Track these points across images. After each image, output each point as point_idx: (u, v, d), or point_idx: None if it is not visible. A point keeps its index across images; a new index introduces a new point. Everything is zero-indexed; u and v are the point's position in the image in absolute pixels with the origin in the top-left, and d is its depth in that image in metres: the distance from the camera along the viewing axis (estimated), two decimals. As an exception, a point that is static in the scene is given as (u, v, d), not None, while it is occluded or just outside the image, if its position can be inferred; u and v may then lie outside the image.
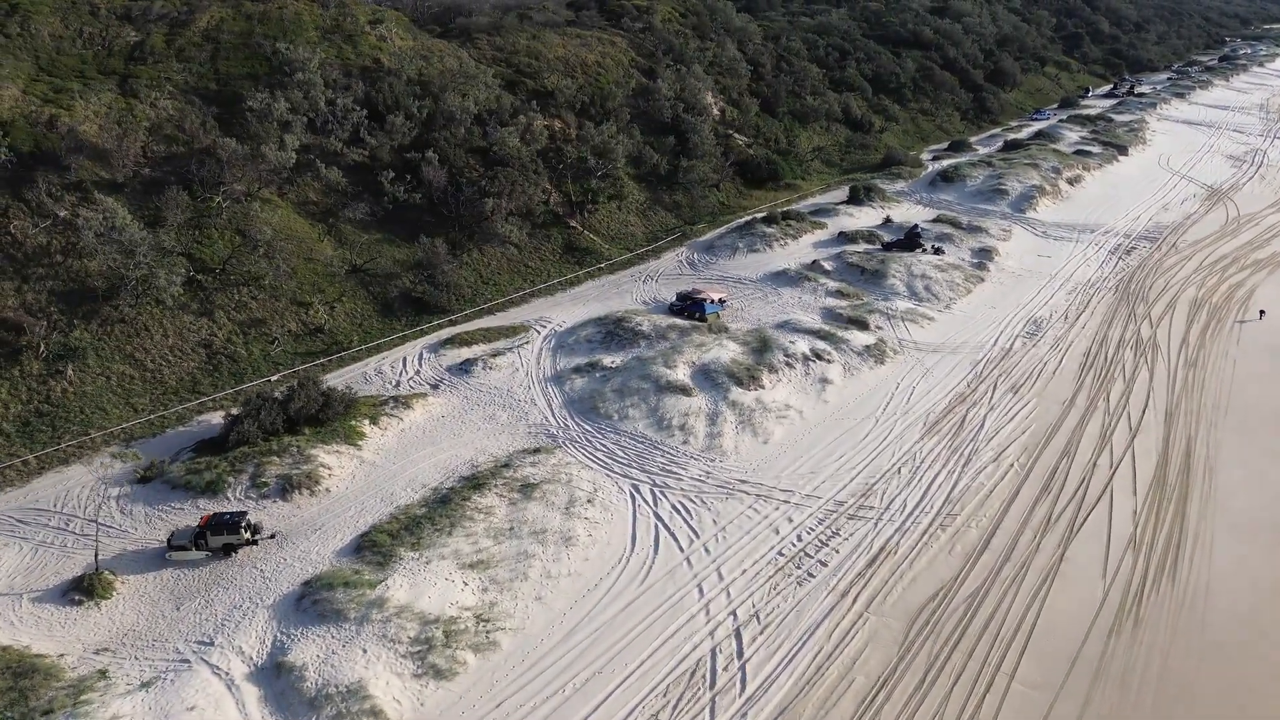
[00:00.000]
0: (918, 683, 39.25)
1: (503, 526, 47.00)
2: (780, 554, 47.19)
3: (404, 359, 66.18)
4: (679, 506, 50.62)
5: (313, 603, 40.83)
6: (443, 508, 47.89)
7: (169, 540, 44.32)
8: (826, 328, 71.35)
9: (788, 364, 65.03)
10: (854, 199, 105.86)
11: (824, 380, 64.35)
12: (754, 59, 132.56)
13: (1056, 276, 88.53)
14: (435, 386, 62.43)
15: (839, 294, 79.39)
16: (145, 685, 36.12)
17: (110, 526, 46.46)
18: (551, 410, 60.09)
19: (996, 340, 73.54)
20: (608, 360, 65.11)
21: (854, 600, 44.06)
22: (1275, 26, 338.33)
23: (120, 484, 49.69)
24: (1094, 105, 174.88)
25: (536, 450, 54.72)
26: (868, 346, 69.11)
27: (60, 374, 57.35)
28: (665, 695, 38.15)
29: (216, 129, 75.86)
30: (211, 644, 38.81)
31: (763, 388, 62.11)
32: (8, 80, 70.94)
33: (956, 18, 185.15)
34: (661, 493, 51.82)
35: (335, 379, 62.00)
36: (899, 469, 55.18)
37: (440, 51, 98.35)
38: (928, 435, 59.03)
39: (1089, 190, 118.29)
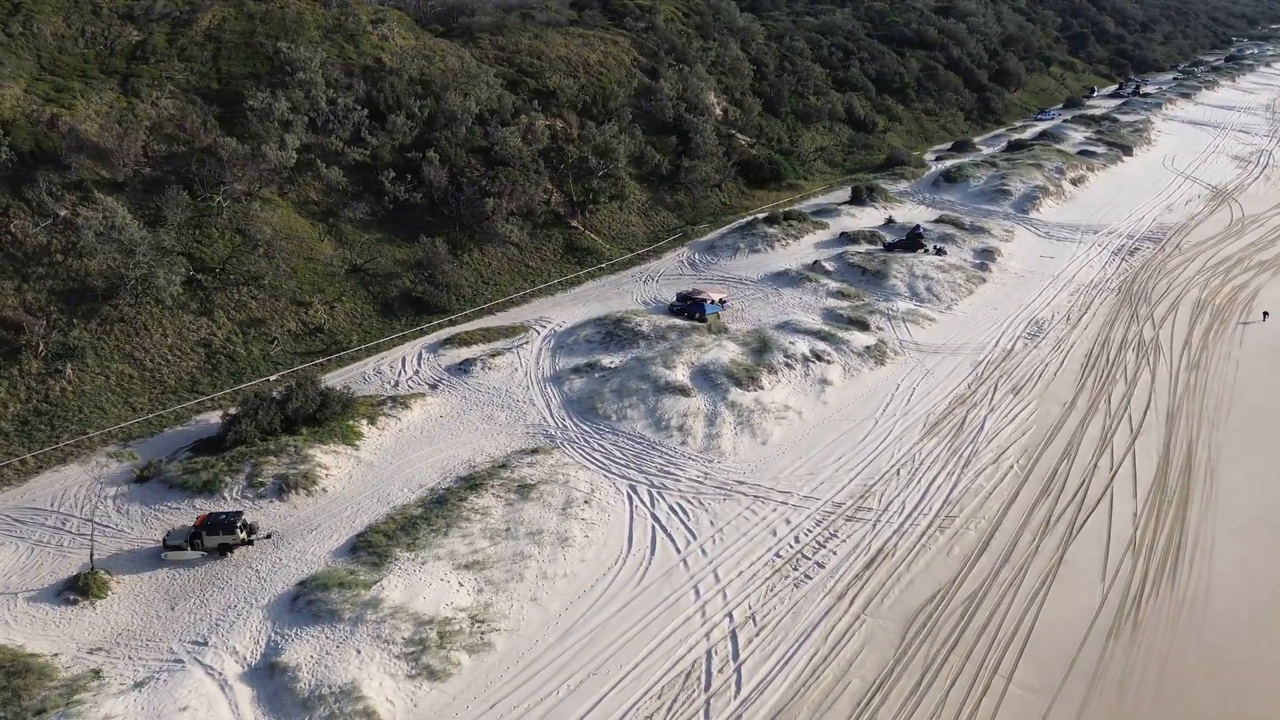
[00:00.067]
0: (914, 685, 39.07)
1: (499, 527, 46.90)
2: (777, 555, 47.03)
3: (403, 359, 66.13)
4: (676, 507, 50.48)
5: (307, 603, 40.78)
6: (439, 508, 47.81)
7: (165, 540, 44.31)
8: (827, 328, 71.13)
9: (787, 365, 64.84)
10: (856, 199, 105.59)
11: (824, 381, 64.14)
12: (757, 59, 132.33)
13: (1059, 277, 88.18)
14: (434, 386, 62.36)
15: (840, 295, 79.17)
16: (138, 685, 36.09)
17: (107, 526, 46.47)
18: (550, 410, 59.99)
19: (998, 341, 73.25)
20: (607, 360, 64.98)
21: (851, 602, 43.88)
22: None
23: (117, 483, 49.72)
24: (1099, 105, 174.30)
25: (534, 451, 54.62)
26: (868, 347, 68.89)
27: (59, 373, 57.41)
28: (660, 697, 38.02)
29: (217, 128, 75.88)
30: (205, 644, 38.78)
31: (762, 388, 61.94)
32: (10, 79, 71.01)
33: (961, 17, 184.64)
34: (659, 494, 51.69)
35: (334, 379, 61.98)
36: (898, 470, 54.97)
37: (442, 51, 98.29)
38: (927, 436, 58.80)
39: (1093, 191, 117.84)
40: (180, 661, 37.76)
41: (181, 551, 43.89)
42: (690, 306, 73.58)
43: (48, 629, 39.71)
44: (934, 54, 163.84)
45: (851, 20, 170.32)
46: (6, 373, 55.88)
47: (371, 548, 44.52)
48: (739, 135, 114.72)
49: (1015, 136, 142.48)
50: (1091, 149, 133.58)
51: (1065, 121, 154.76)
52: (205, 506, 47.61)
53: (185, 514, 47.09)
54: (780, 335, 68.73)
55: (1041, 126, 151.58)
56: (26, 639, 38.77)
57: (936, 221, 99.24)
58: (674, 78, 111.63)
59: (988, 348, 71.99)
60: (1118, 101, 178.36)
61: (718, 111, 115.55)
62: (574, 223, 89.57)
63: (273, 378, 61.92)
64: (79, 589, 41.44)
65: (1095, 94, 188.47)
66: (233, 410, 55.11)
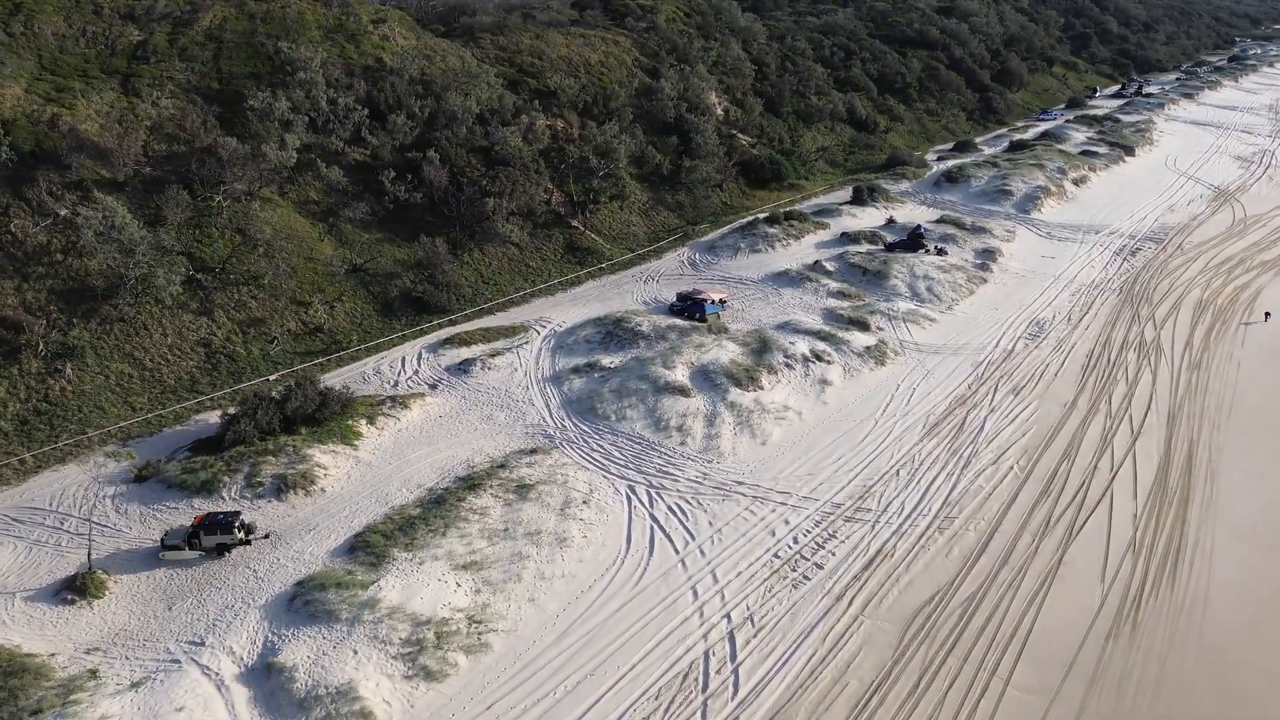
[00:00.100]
0: (912, 687, 38.97)
1: (497, 527, 46.84)
2: (776, 556, 46.94)
3: (403, 359, 66.10)
4: (675, 508, 50.40)
5: (304, 603, 40.74)
6: (437, 508, 47.76)
7: (162, 540, 44.31)
8: (827, 329, 71.02)
9: (787, 365, 64.74)
10: (857, 199, 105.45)
11: (823, 381, 64.04)
12: (759, 59, 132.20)
13: (1060, 278, 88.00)
14: (433, 386, 62.33)
15: (840, 295, 79.05)
16: (135, 685, 36.08)
17: (105, 526, 46.47)
18: (549, 411, 59.93)
19: (998, 342, 73.11)
20: (606, 361, 64.92)
21: (849, 603, 43.78)
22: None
23: (116, 483, 49.72)
24: (1101, 105, 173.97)
25: (533, 451, 54.56)
26: (868, 348, 68.77)
27: (59, 373, 57.43)
28: (657, 698, 37.94)
29: (218, 128, 75.90)
30: (202, 644, 38.75)
31: (761, 389, 61.84)
32: (10, 79, 71.07)
33: (963, 17, 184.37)
34: (658, 494, 51.61)
35: (334, 379, 61.96)
36: (897, 471, 54.86)
37: (443, 51, 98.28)
38: (927, 437, 58.68)
39: (1094, 191, 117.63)
40: (177, 662, 37.74)
41: (179, 551, 43.88)
42: (690, 306, 73.51)
43: (45, 629, 39.71)
44: (936, 54, 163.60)
45: (853, 20, 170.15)
46: (6, 372, 55.91)
47: (369, 548, 44.48)
48: (740, 135, 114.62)
49: (1017, 137, 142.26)
50: (1093, 149, 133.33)
51: (1067, 122, 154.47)
52: (203, 506, 47.60)
53: (184, 514, 47.07)
54: (780, 335, 68.63)
55: (1043, 127, 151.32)
56: (23, 639, 38.77)
57: (938, 222, 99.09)
58: (675, 78, 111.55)
59: (988, 348, 71.86)
60: (1120, 102, 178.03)
61: (719, 111, 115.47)
62: (574, 223, 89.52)
63: (272, 377, 61.92)
64: (76, 589, 41.44)
65: (1098, 94, 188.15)
66: (232, 410, 55.10)
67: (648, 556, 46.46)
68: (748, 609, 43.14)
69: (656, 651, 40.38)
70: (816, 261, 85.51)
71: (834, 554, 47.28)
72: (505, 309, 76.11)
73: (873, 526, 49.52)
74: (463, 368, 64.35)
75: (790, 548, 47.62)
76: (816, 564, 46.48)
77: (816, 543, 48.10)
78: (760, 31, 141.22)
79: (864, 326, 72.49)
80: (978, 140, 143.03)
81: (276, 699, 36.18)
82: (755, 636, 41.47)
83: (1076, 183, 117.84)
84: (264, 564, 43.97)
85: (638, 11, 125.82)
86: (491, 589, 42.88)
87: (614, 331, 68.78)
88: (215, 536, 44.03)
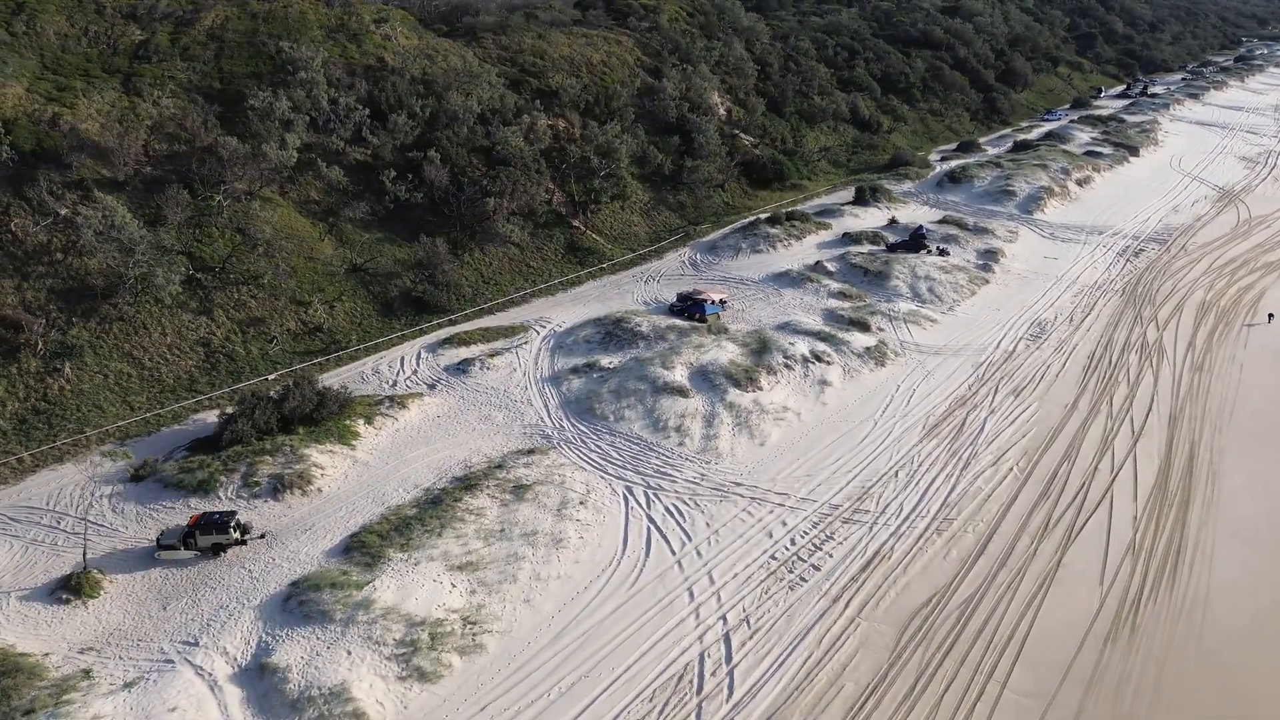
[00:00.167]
0: (908, 689, 38.77)
1: (493, 528, 46.74)
2: (773, 558, 46.77)
3: (402, 358, 66.05)
4: (672, 509, 50.25)
5: (299, 603, 40.67)
6: (434, 509, 47.68)
7: (158, 539, 44.28)
8: (827, 329, 70.81)
9: (787, 366, 64.55)
10: (860, 200, 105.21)
11: (823, 382, 63.83)
12: (761, 58, 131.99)
13: (1063, 279, 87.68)
14: (432, 386, 62.26)
15: (841, 295, 78.84)
16: (128, 685, 36.03)
17: (101, 525, 46.45)
18: (548, 411, 59.82)
19: (999, 343, 72.83)
20: (606, 361, 64.79)
21: (846, 605, 43.59)
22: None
23: (113, 482, 49.71)
24: (1106, 106, 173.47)
25: (531, 451, 54.45)
26: (868, 348, 68.55)
27: (58, 372, 57.46)
28: (652, 700, 37.80)
29: (218, 127, 75.91)
30: (196, 644, 38.70)
31: (760, 389, 61.66)
32: (12, 78, 71.16)
33: (968, 17, 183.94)
34: (655, 495, 51.47)
35: (333, 378, 61.93)
36: (896, 472, 54.64)
37: (445, 50, 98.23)
38: (927, 438, 58.45)
39: (1098, 191, 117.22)
40: (171, 662, 37.69)
41: (175, 551, 43.85)
42: (690, 307, 73.35)
43: (39, 628, 39.68)
44: (940, 54, 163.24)
45: (857, 20, 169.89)
46: (5, 371, 55.96)
47: (365, 548, 44.41)
48: (742, 135, 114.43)
49: (1021, 137, 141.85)
50: (1098, 149, 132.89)
51: (1072, 122, 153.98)
52: (200, 506, 47.56)
53: (180, 513, 47.05)
54: (780, 336, 68.44)
55: (1048, 127, 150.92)
56: (18, 638, 38.74)
57: (940, 222, 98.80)
58: (677, 77, 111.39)
59: (989, 349, 71.58)
60: (1125, 102, 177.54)
61: (721, 111, 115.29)
62: (575, 222, 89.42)
63: (271, 377, 61.89)
64: (71, 588, 41.41)
65: (1103, 94, 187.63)
66: (229, 410, 55.05)
67: (644, 558, 46.32)
68: (744, 610, 42.98)
69: (652, 653, 40.24)
70: (818, 262, 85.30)
71: (831, 555, 47.09)
72: (505, 309, 76.03)
73: (870, 528, 49.33)
74: (461, 368, 64.28)
75: (787, 549, 47.45)
76: (814, 565, 46.31)
77: (814, 544, 47.92)
78: (763, 31, 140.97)
79: (864, 327, 72.26)
80: (981, 140, 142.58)
81: (269, 700, 36.12)
82: (751, 638, 41.30)
83: (1080, 183, 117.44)
84: (259, 564, 43.92)
85: (640, 11, 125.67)
86: (487, 590, 42.78)
87: (613, 332, 68.66)
88: (211, 536, 43.99)
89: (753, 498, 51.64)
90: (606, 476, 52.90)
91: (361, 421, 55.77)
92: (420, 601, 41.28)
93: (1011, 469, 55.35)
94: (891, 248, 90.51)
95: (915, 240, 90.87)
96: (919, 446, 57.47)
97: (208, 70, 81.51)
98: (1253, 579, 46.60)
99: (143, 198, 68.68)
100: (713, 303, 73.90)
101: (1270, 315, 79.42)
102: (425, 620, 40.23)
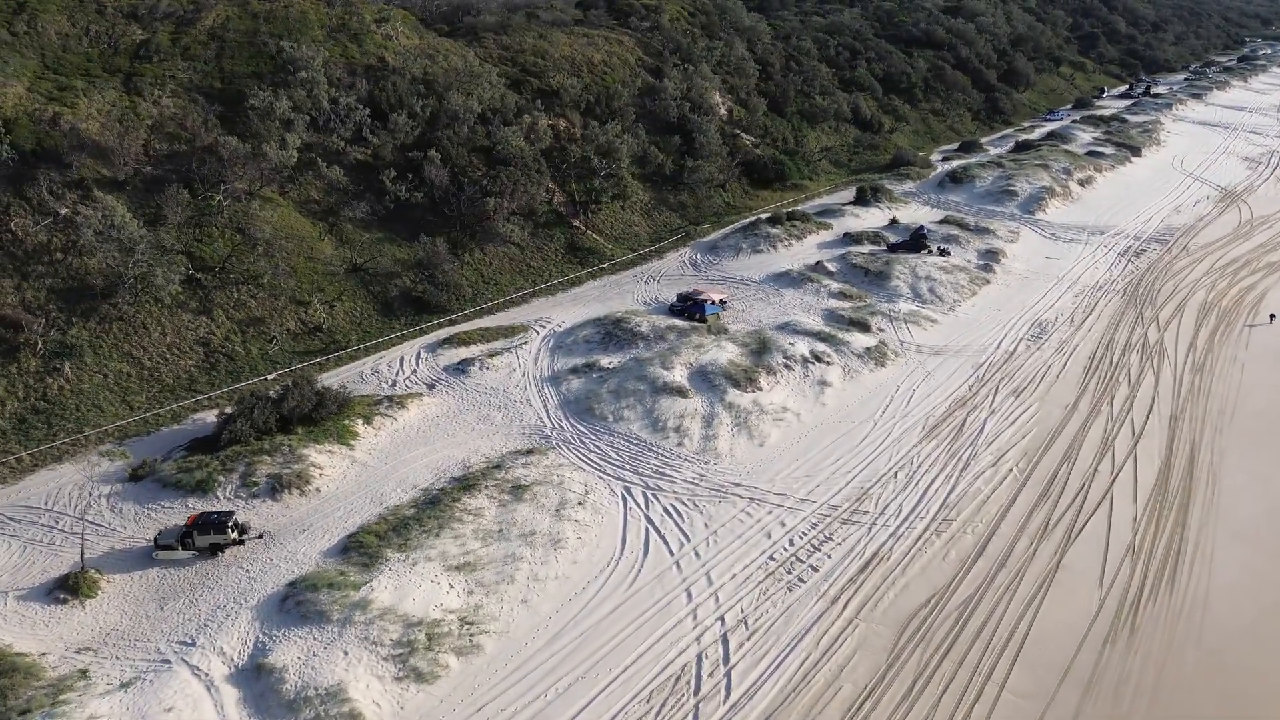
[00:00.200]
0: (906, 691, 38.66)
1: (491, 528, 46.68)
2: (771, 559, 46.67)
3: (401, 358, 66.01)
4: (671, 509, 50.17)
5: (296, 604, 40.63)
6: (432, 509, 47.62)
7: (156, 539, 44.27)
8: (827, 329, 70.70)
9: (786, 366, 64.45)
10: (861, 200, 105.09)
11: (823, 383, 63.73)
12: (763, 58, 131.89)
13: (1064, 279, 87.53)
14: (431, 386, 62.22)
15: (842, 295, 78.72)
16: (125, 685, 36.01)
17: (99, 525, 46.43)
18: (547, 411, 59.76)
19: (1000, 343, 72.69)
20: (605, 361, 64.73)
21: (844, 606, 43.48)
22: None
23: (111, 482, 49.70)
24: (1109, 106, 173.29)
25: (529, 451, 54.39)
26: (868, 349, 68.43)
27: (57, 371, 57.48)
28: (649, 701, 37.72)
29: (218, 127, 75.90)
30: (193, 644, 38.66)
31: (760, 390, 61.57)
32: (13, 78, 71.20)
33: (970, 17, 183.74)
34: (654, 495, 51.39)
35: (332, 378, 61.90)
36: (895, 473, 54.53)
37: (446, 50, 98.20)
38: (926, 439, 58.33)
39: (1100, 192, 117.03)
40: (167, 662, 37.66)
41: (173, 551, 43.83)
42: (690, 307, 73.27)
43: (36, 628, 39.67)
44: (942, 54, 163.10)
45: (859, 20, 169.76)
46: (5, 371, 55.97)
47: (362, 548, 44.36)
48: (743, 135, 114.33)
49: (1023, 137, 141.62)
50: (1100, 150, 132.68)
51: (1074, 122, 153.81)
52: (198, 506, 47.53)
53: (178, 513, 47.04)
54: (780, 336, 68.34)
55: (1050, 127, 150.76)
56: (15, 638, 38.72)
57: (941, 222, 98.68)
58: (678, 77, 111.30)
59: (990, 350, 71.45)
60: (1128, 102, 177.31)
61: (722, 111, 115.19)
62: (576, 222, 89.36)
63: (270, 377, 61.88)
64: (69, 588, 41.39)
65: (1105, 94, 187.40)
66: (228, 409, 55.03)
67: (642, 558, 46.24)
68: (742, 611, 42.89)
69: (649, 654, 40.15)
70: (818, 262, 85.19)
71: (830, 556, 46.99)
72: (505, 309, 75.98)
73: (869, 529, 49.23)
74: (461, 368, 64.24)
75: (786, 550, 47.36)
76: (812, 566, 46.21)
77: (812, 545, 47.82)
78: (765, 31, 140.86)
79: (865, 327, 72.15)
80: (983, 140, 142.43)
81: (266, 700, 36.08)
82: (749, 639, 41.21)
83: (1082, 183, 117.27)
84: (257, 564, 43.89)
85: (642, 11, 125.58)
86: (484, 590, 42.72)
87: (613, 332, 68.59)
88: (209, 536, 43.97)
89: (751, 498, 51.56)
90: (605, 477, 52.83)
91: (360, 421, 55.74)
92: (417, 602, 41.22)
93: (1011, 470, 55.23)
94: (892, 248, 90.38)
95: (916, 240, 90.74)
96: (918, 447, 57.36)
97: (208, 70, 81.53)
98: (1254, 579, 46.46)
99: (143, 197, 68.69)
100: (713, 303, 73.82)
101: (1272, 316, 79.20)
102: (422, 621, 40.17)
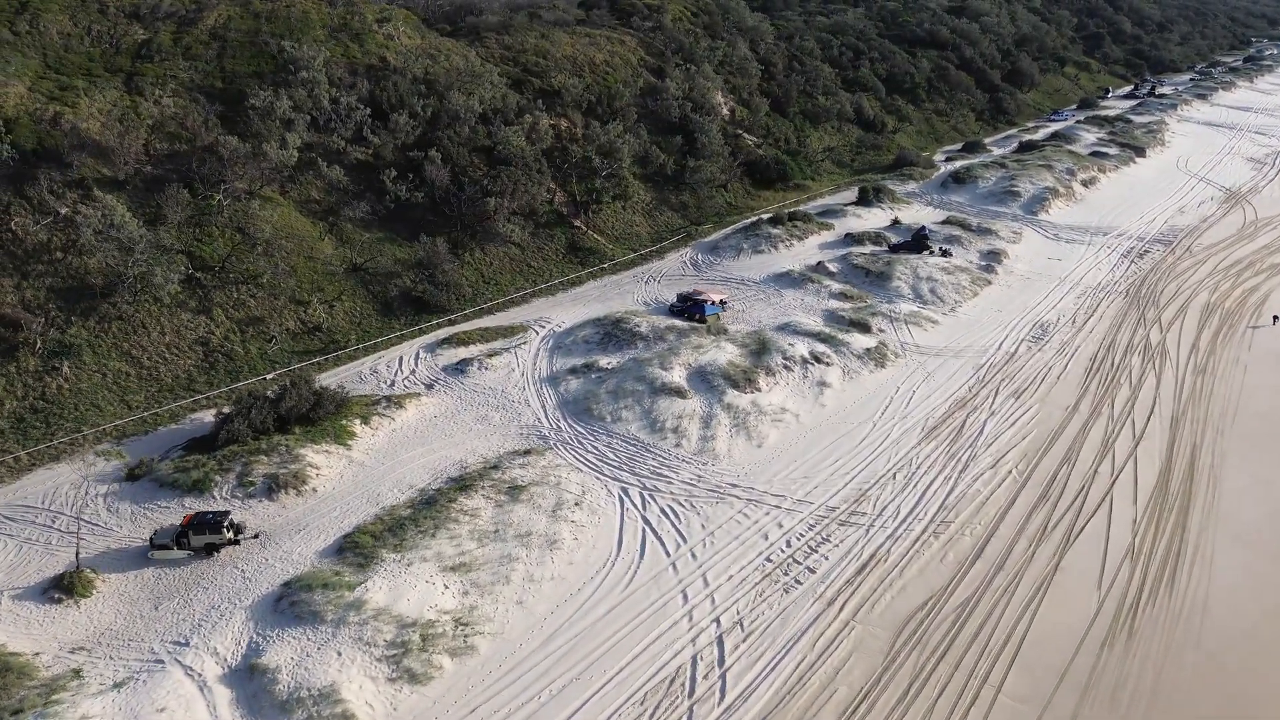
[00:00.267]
0: (901, 694, 38.49)
1: (487, 529, 46.58)
2: (768, 560, 46.51)
3: (400, 358, 65.96)
4: (668, 510, 50.03)
5: (290, 604, 40.57)
6: (428, 509, 47.54)
7: (151, 539, 44.24)
8: (827, 330, 70.50)
9: (786, 367, 64.28)
10: (863, 200, 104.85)
11: (822, 383, 63.54)
12: (766, 58, 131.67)
13: (1066, 280, 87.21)
14: (430, 386, 62.15)
15: (842, 296, 78.51)
16: (118, 685, 35.97)
17: (95, 524, 46.44)
18: (545, 411, 59.65)
19: (1001, 344, 72.43)
20: (604, 361, 64.61)
21: (841, 608, 43.31)
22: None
23: (108, 481, 49.69)
24: (1113, 106, 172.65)
25: (527, 452, 54.28)
26: (868, 349, 68.21)
27: (56, 370, 57.50)
28: (643, 703, 37.59)
29: (219, 127, 75.91)
30: (187, 644, 38.62)
31: (759, 390, 61.41)
32: (14, 78, 71.30)
33: (974, 17, 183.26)
34: (651, 496, 51.24)
35: (331, 378, 61.87)
36: (894, 475, 54.32)
37: (447, 50, 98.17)
38: (925, 440, 58.12)
39: (1104, 192, 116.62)
40: (161, 662, 37.62)
41: (168, 551, 43.79)
42: (690, 307, 73.11)
43: (31, 627, 39.66)
44: (946, 54, 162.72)
45: (863, 20, 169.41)
46: (4, 370, 56.01)
47: (358, 549, 44.29)
48: (746, 135, 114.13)
49: (1027, 137, 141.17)
50: (1104, 150, 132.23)
51: (1078, 122, 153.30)
52: (195, 505, 47.53)
53: (175, 513, 47.01)
54: (780, 337, 68.15)
55: (1054, 127, 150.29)
56: (9, 637, 38.70)
57: (943, 223, 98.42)
58: (680, 77, 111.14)
59: (990, 351, 71.19)
60: (1132, 102, 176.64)
61: (724, 111, 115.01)
62: (577, 222, 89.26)
63: (269, 376, 61.85)
64: (64, 587, 41.38)
65: (1110, 95, 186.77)
66: (226, 409, 55.01)
67: (638, 559, 46.11)
68: (738, 613, 42.74)
69: (644, 656, 40.02)
70: (819, 262, 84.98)
71: (827, 558, 46.81)
72: (505, 309, 75.90)
73: (867, 531, 49.04)
74: (460, 368, 64.16)
75: (783, 551, 47.19)
76: (809, 568, 46.04)
77: (810, 547, 47.65)
78: (768, 31, 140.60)
79: (865, 328, 71.93)
80: (987, 141, 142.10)
81: (259, 700, 36.01)
82: (744, 641, 41.06)
83: (1085, 184, 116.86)
84: (252, 564, 43.85)
85: (644, 11, 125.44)
86: (479, 591, 42.62)
87: (613, 332, 68.47)
88: (204, 536, 43.93)
89: (749, 499, 51.41)
90: (602, 478, 52.71)
91: (358, 421, 55.69)
92: (412, 603, 41.14)
93: (1010, 472, 55.00)
94: (894, 248, 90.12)
95: (918, 241, 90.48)
96: (917, 449, 57.15)
97: (210, 69, 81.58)
98: (1255, 582, 46.20)
99: (143, 197, 68.72)
100: (713, 303, 73.66)
101: (1275, 317, 78.81)
102: (417, 621, 40.09)
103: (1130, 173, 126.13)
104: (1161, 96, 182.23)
